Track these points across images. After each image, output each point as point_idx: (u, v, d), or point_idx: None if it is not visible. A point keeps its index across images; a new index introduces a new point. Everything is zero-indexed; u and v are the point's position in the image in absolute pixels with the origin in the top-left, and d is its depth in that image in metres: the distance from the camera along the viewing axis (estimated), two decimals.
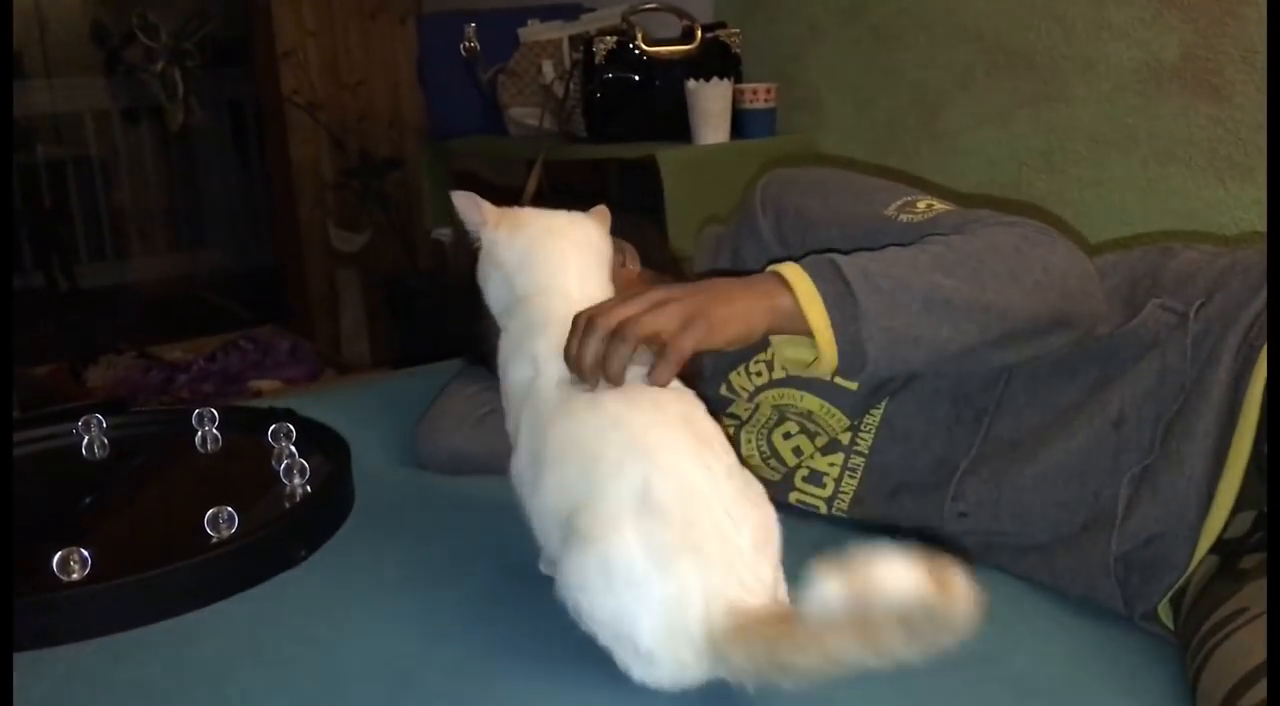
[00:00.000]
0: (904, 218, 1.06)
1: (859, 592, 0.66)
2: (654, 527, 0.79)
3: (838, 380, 1.10)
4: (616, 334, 0.85)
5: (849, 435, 1.13)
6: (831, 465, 1.14)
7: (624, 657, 0.81)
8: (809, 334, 0.91)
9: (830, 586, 0.67)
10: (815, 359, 0.92)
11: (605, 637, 0.82)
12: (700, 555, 0.78)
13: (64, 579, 0.97)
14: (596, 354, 0.85)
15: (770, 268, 0.94)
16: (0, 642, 0.85)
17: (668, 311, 0.86)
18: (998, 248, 0.97)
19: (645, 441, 0.83)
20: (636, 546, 0.78)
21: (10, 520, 1.08)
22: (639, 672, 0.81)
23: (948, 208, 1.07)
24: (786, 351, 0.96)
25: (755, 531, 0.81)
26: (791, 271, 0.92)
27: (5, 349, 1.56)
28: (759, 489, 0.85)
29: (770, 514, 0.84)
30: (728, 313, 0.88)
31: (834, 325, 0.90)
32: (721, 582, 0.78)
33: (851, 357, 0.91)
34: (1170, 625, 0.96)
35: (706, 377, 1.26)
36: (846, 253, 0.95)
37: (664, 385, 0.86)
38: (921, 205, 1.08)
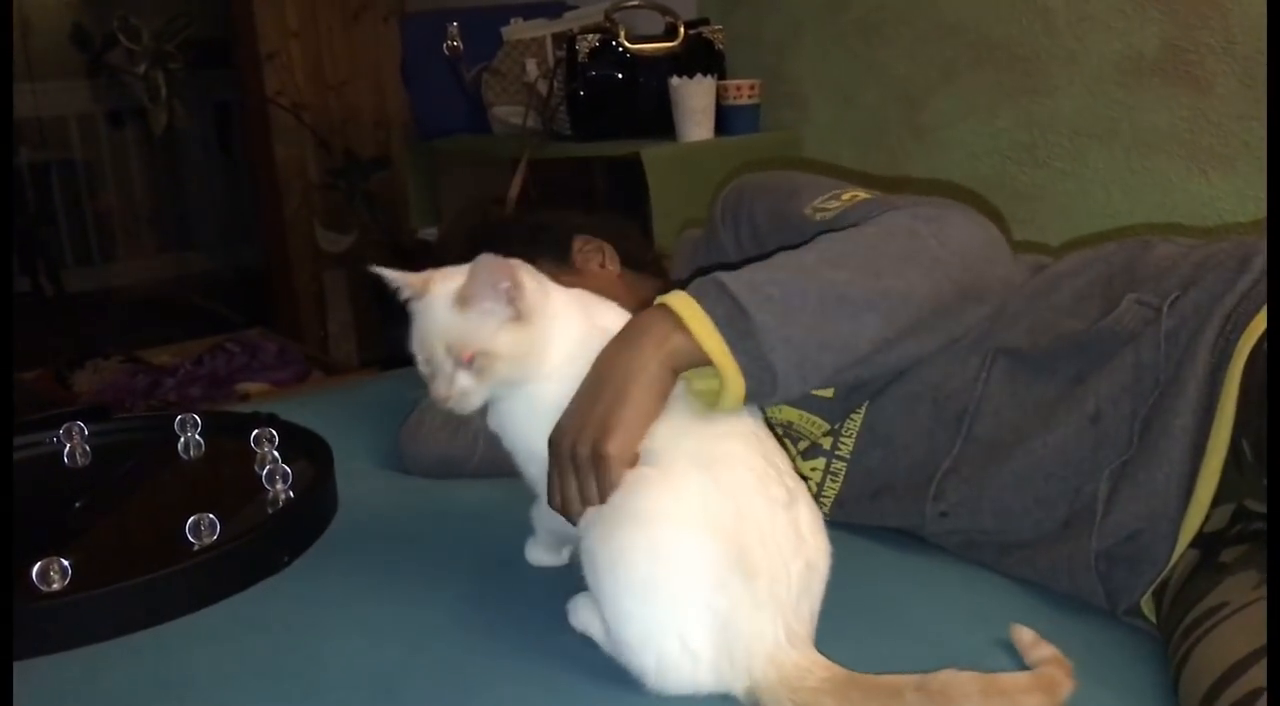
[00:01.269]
0: (819, 216, 1.05)
1: None
2: (711, 546, 0.80)
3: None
4: (571, 514, 0.88)
5: (830, 440, 1.12)
6: (813, 470, 1.13)
7: (649, 653, 0.81)
8: (710, 362, 0.87)
9: None
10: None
11: (628, 625, 0.81)
12: (753, 610, 0.79)
13: (44, 589, 0.97)
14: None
15: (658, 299, 0.91)
16: (0, 645, 0.84)
17: (582, 458, 0.86)
18: (890, 232, 0.96)
19: (713, 451, 0.85)
20: (701, 555, 0.80)
21: (10, 522, 1.07)
22: (669, 670, 0.80)
23: (866, 198, 1.07)
24: (697, 385, 0.91)
25: (805, 570, 0.82)
26: (678, 300, 0.89)
27: (5, 350, 1.54)
28: (813, 514, 0.86)
29: (821, 546, 0.85)
30: (633, 405, 0.85)
31: (731, 346, 0.87)
32: (767, 623, 0.79)
33: (759, 378, 0.88)
34: (1153, 619, 0.97)
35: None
36: (736, 266, 0.92)
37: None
38: (845, 197, 1.07)
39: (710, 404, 0.88)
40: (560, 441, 0.88)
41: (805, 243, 0.97)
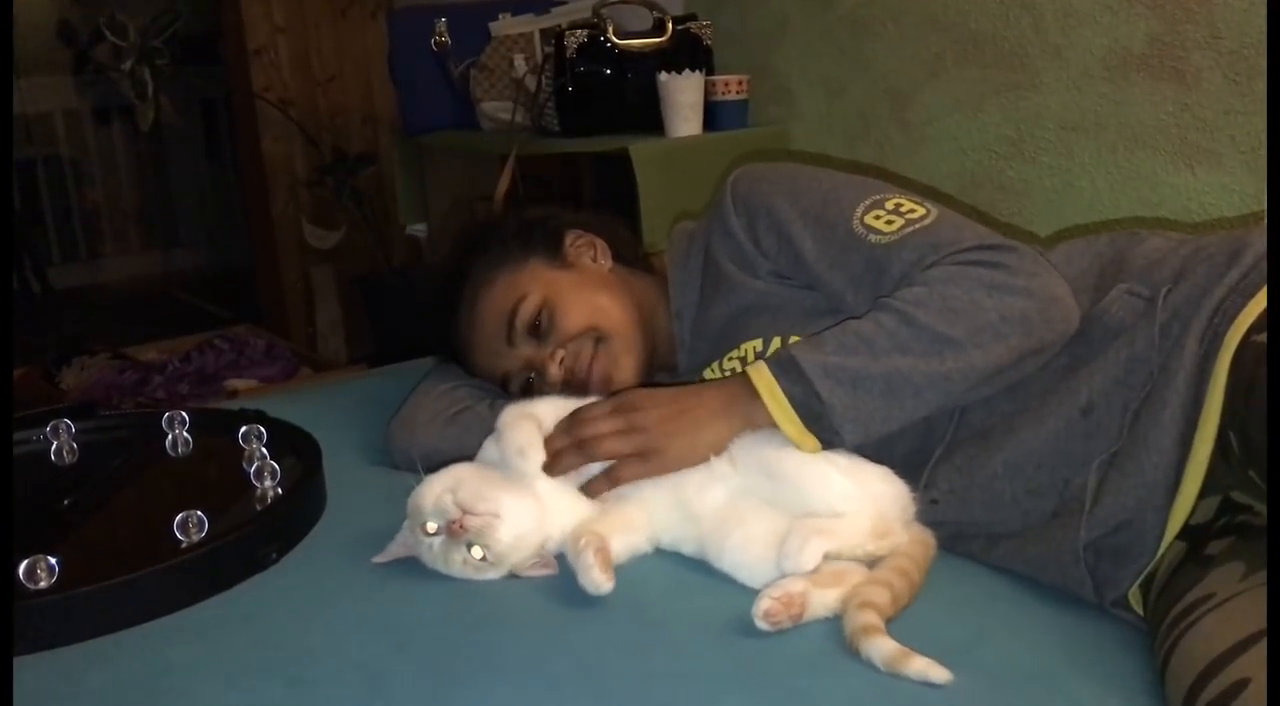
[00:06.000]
0: (874, 239, 1.07)
1: None
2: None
3: None
4: (581, 448, 1.03)
5: None
6: None
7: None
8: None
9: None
10: None
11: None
12: None
13: (31, 587, 0.96)
14: (563, 451, 1.03)
15: (748, 370, 1.03)
16: (1, 644, 0.84)
17: (630, 441, 1.02)
18: (952, 307, 1.00)
19: None
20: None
21: (10, 520, 1.07)
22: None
23: (915, 217, 1.08)
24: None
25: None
26: (761, 380, 1.01)
27: (5, 350, 1.54)
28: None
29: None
30: (690, 443, 1.02)
31: (806, 425, 0.99)
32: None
33: (829, 442, 1.00)
34: (1141, 611, 0.97)
35: (681, 372, 1.26)
36: (803, 346, 1.03)
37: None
38: (889, 205, 1.09)
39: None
40: (634, 405, 1.04)
41: (858, 257, 1.08)
